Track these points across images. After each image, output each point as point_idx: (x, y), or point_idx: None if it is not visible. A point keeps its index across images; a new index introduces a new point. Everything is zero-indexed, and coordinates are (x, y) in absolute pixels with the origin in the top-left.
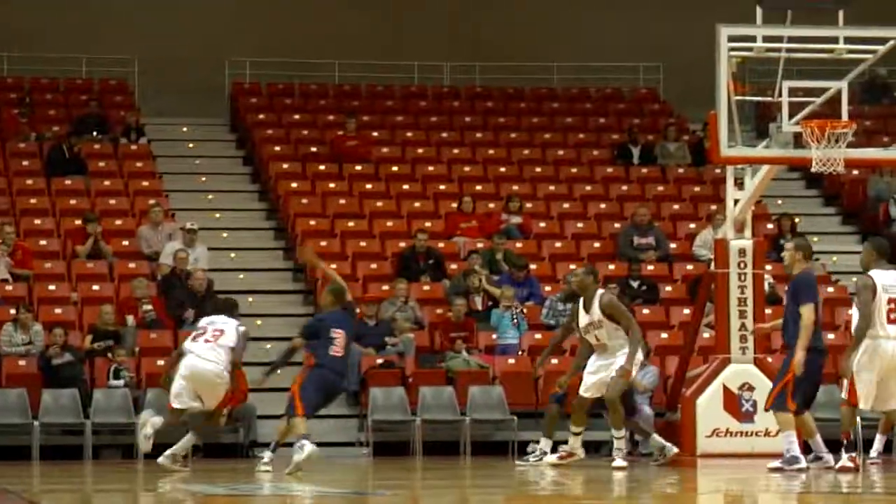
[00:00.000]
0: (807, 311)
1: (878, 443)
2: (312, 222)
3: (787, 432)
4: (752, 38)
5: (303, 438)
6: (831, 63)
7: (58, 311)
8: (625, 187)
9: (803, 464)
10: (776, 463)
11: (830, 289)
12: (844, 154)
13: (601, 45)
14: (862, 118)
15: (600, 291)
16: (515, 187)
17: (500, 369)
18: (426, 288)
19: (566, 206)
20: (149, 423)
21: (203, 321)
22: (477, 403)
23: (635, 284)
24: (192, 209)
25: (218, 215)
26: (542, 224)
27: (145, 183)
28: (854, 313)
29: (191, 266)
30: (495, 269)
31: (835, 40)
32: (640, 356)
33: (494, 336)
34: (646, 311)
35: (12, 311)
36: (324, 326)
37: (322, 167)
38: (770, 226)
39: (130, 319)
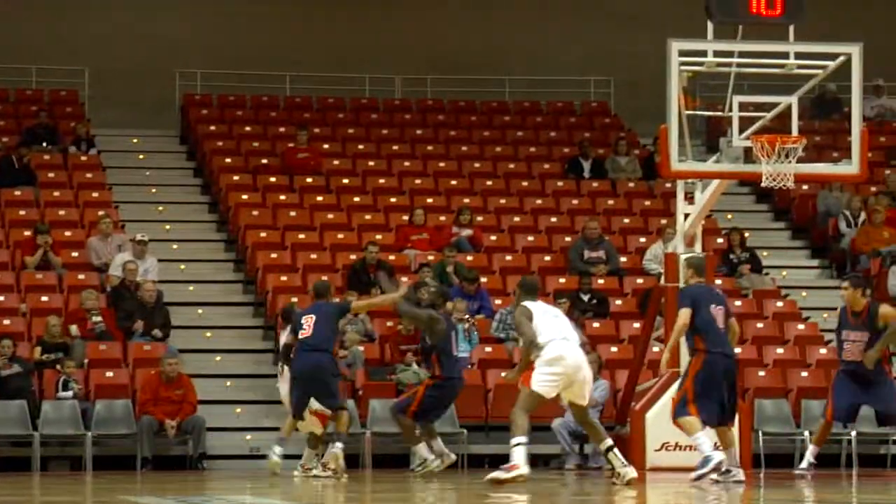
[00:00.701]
0: (681, 315)
1: (811, 454)
2: (263, 234)
3: (693, 436)
4: (703, 53)
5: (276, 444)
6: (782, 78)
7: (6, 322)
8: (575, 201)
9: (717, 458)
10: (695, 472)
11: (780, 303)
12: (794, 169)
13: (553, 59)
14: (812, 133)
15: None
16: (466, 200)
17: None
18: None
19: (517, 219)
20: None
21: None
22: None
23: (586, 298)
24: (143, 220)
25: (168, 227)
26: (493, 237)
27: (95, 194)
28: None
29: (140, 277)
30: (446, 281)
31: (785, 55)
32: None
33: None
34: (596, 324)
35: None
36: (295, 317)
37: (273, 179)
38: (720, 240)
39: (74, 329)
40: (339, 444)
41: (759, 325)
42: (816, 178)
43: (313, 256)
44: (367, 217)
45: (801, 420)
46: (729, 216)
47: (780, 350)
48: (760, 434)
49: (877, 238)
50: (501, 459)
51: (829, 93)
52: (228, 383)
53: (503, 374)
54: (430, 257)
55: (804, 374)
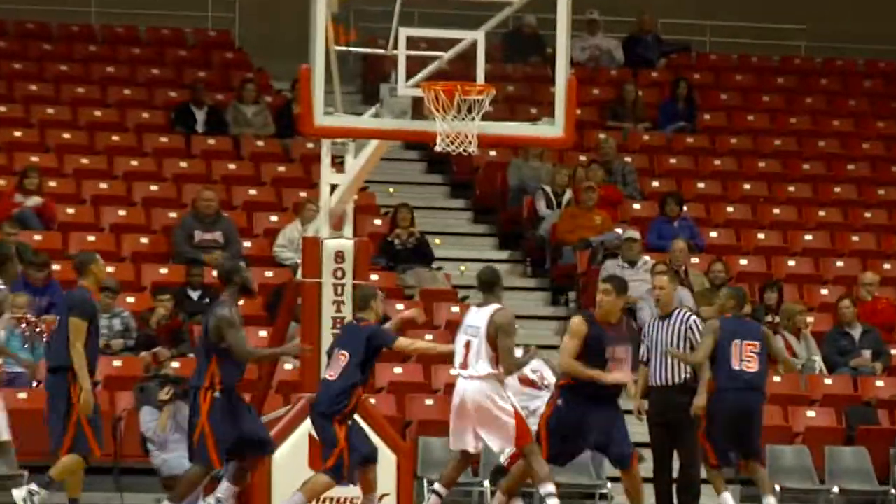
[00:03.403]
0: None
1: None
2: None
3: None
4: None
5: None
6: (465, 7)
7: None
8: (184, 163)
9: None
10: None
11: (455, 308)
12: (479, 129)
13: None
14: (503, 81)
15: None
16: (35, 158)
17: (9, 406)
18: None
19: (104, 186)
20: None
21: None
22: None
23: (195, 295)
24: None
25: None
26: (71, 210)
27: None
28: None
29: None
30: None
31: None
32: None
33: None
34: None
35: None
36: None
37: None
38: (378, 221)
39: None
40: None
41: (429, 336)
42: (508, 141)
43: None
44: None
45: (482, 465)
46: (391, 189)
47: (453, 371)
48: (426, 483)
49: (587, 224)
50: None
51: (526, 27)
52: None
53: None
54: None
55: None
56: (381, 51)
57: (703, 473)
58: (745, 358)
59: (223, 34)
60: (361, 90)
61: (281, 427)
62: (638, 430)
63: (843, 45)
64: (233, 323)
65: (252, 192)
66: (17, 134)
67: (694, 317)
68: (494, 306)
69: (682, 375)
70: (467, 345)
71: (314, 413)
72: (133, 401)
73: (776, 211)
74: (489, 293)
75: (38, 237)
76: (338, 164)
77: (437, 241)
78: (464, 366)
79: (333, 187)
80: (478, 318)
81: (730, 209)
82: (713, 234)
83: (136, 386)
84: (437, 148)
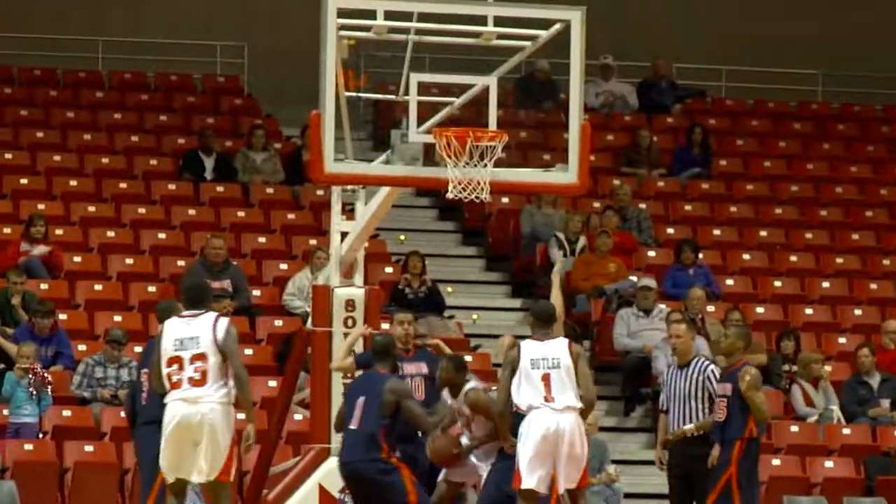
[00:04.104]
0: None
1: None
2: None
3: None
4: (371, 14)
5: None
6: (477, 52)
7: None
8: (193, 211)
9: None
10: None
11: (468, 358)
12: (491, 175)
13: (164, 18)
14: (516, 127)
15: None
16: (41, 206)
17: (14, 458)
18: None
19: (111, 234)
20: None
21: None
22: None
23: None
24: None
25: None
26: (77, 258)
27: None
28: None
29: None
30: (12, 317)
31: (482, 21)
32: None
33: (6, 411)
34: None
35: None
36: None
37: None
38: (389, 269)
39: None
40: None
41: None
42: (520, 188)
43: None
44: None
45: None
46: (402, 237)
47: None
48: None
49: (601, 271)
50: None
51: (539, 72)
52: None
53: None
54: None
55: None
56: (392, 96)
57: None
58: None
59: (232, 80)
60: (372, 136)
61: (291, 479)
62: (657, 480)
63: (860, 89)
64: (411, 394)
65: (261, 239)
66: (24, 181)
67: (712, 366)
68: (564, 339)
69: None
70: (546, 378)
71: None
72: None
73: (793, 258)
74: (549, 326)
75: (44, 286)
76: (348, 211)
77: (450, 289)
78: (548, 399)
79: (344, 235)
80: (551, 349)
81: (746, 256)
82: (729, 281)
83: None
84: (449, 195)
